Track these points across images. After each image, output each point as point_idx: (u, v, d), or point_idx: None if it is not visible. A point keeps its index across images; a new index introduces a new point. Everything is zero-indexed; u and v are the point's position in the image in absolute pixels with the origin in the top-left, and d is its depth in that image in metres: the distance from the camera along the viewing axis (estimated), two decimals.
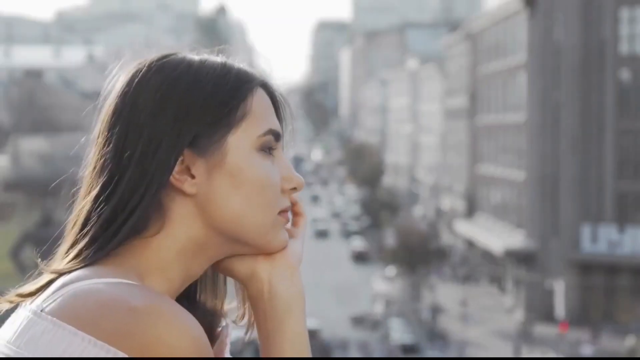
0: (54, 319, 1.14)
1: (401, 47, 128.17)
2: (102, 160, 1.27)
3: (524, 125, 53.25)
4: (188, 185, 1.26)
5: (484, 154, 62.92)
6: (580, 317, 48.03)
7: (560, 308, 48.80)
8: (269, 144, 1.30)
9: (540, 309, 49.56)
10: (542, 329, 46.89)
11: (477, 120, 64.64)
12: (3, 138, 63.78)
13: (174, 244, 1.26)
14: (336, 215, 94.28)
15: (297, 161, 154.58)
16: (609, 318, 47.26)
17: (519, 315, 50.53)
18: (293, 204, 1.36)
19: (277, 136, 1.31)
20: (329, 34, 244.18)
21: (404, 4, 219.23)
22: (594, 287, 48.81)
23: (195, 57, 1.31)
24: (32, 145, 61.86)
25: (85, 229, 1.26)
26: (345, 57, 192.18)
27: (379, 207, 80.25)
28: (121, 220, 1.24)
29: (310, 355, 1.31)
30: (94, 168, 1.28)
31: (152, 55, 1.31)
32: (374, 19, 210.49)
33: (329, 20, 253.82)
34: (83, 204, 1.28)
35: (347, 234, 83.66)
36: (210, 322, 1.38)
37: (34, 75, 74.78)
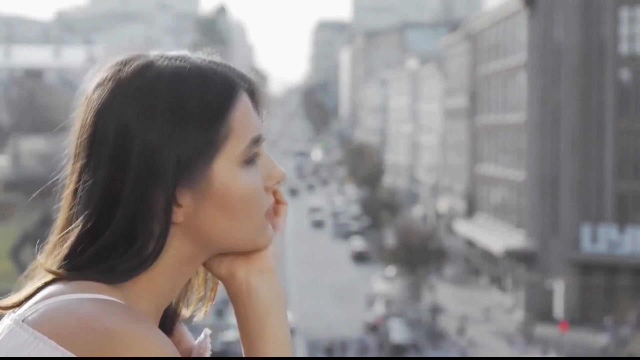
0: (35, 331, 1.15)
1: (401, 47, 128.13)
2: (85, 189, 1.26)
3: (524, 125, 53.26)
4: (177, 215, 1.25)
5: (484, 154, 62.92)
6: (581, 317, 48.05)
7: (560, 308, 48.82)
8: (252, 152, 1.29)
9: (540, 309, 49.57)
10: (542, 329, 46.91)
11: (477, 120, 64.64)
12: (3, 138, 63.80)
13: (163, 264, 1.27)
14: (336, 215, 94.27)
15: (301, 156, 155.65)
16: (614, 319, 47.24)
17: (519, 315, 50.54)
18: (274, 193, 1.36)
19: (259, 140, 1.31)
20: (329, 34, 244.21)
21: (404, 4, 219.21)
22: (594, 287, 48.82)
23: (170, 65, 1.27)
24: (32, 145, 61.90)
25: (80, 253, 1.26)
26: (345, 57, 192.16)
27: (379, 207, 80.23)
28: (121, 251, 1.24)
29: (293, 355, 1.31)
30: (75, 191, 1.27)
31: (116, 66, 1.28)
32: (374, 19, 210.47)
33: (329, 20, 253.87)
34: (71, 228, 1.26)
35: (347, 234, 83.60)
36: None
37: (34, 75, 74.85)
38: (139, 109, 1.23)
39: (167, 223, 1.24)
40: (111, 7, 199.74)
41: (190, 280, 1.40)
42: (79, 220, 1.25)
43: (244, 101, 1.30)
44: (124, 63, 1.28)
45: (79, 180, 1.26)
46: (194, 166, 1.24)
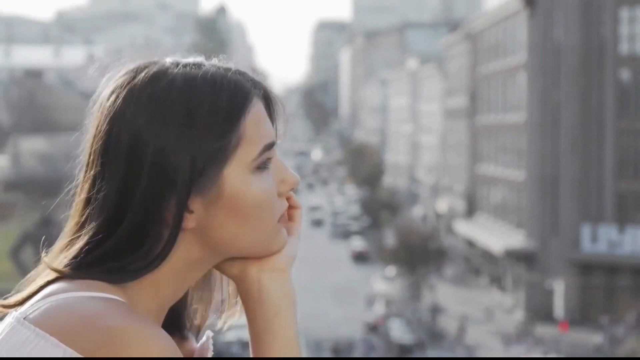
0: (37, 329, 1.15)
1: (401, 47, 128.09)
2: (99, 197, 1.26)
3: (524, 125, 53.26)
4: (188, 221, 1.26)
5: (484, 154, 62.92)
6: (581, 317, 48.05)
7: (560, 308, 48.82)
8: (264, 159, 1.30)
9: (540, 309, 49.57)
10: (542, 329, 46.91)
11: (477, 120, 64.64)
12: (3, 138, 63.77)
13: (169, 267, 1.27)
14: (336, 215, 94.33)
15: (302, 156, 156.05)
16: (609, 318, 47.25)
17: (519, 315, 50.54)
18: (287, 198, 1.36)
19: (271, 147, 1.31)
20: (329, 34, 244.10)
21: (404, 4, 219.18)
22: (594, 287, 48.82)
23: (183, 72, 1.28)
24: (32, 145, 61.86)
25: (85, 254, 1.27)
26: (345, 57, 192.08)
27: (379, 207, 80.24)
28: (127, 253, 1.25)
29: (301, 355, 1.31)
30: (88, 199, 1.28)
31: (130, 73, 1.29)
32: (374, 19, 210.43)
33: (329, 20, 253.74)
34: (82, 233, 1.27)
35: (347, 234, 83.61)
36: (178, 316, 1.40)
37: (34, 75, 74.78)
38: (151, 116, 1.24)
39: (176, 229, 1.25)
40: (111, 7, 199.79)
41: (208, 292, 1.41)
42: (91, 226, 1.26)
43: (256, 108, 1.30)
44: (138, 70, 1.29)
45: (92, 189, 1.27)
46: (205, 173, 1.25)
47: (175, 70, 1.28)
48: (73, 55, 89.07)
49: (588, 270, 48.84)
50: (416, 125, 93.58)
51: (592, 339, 44.37)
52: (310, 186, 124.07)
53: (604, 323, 45.21)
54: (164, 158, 1.24)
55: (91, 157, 1.28)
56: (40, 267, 1.29)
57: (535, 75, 51.61)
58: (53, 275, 1.26)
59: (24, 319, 1.17)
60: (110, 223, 1.24)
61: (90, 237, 1.25)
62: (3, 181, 58.14)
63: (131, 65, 1.30)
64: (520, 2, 53.66)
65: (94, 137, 1.28)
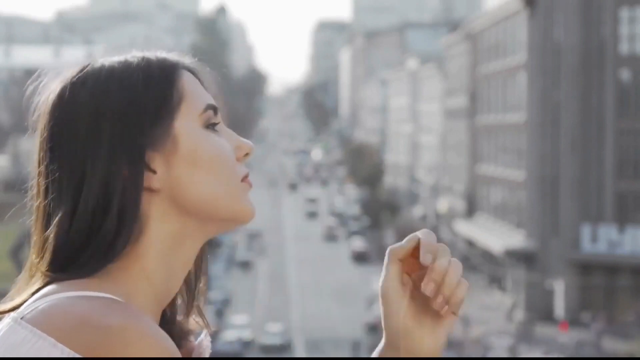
0: (34, 328, 1.15)
1: (401, 47, 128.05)
2: (55, 184, 1.27)
3: (524, 125, 53.27)
4: (154, 182, 1.27)
5: (484, 154, 62.93)
6: (581, 317, 48.05)
7: (560, 308, 48.83)
8: (211, 119, 1.32)
9: (540, 309, 49.57)
10: (542, 329, 46.91)
11: (477, 120, 64.66)
12: (3, 138, 63.77)
13: (155, 245, 1.27)
14: (336, 215, 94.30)
15: (302, 154, 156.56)
16: (609, 318, 47.26)
17: (519, 315, 50.53)
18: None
19: (215, 110, 1.33)
20: (329, 34, 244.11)
21: (404, 4, 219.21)
22: (594, 287, 48.83)
23: (111, 59, 1.33)
24: (32, 145, 61.83)
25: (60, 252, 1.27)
26: (345, 57, 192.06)
27: (379, 207, 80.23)
28: (96, 228, 1.25)
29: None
30: (46, 191, 1.29)
31: (68, 72, 1.32)
32: (374, 19, 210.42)
33: (329, 20, 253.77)
34: (51, 228, 1.27)
35: (347, 234, 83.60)
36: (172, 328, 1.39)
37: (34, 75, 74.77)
38: (89, 92, 1.27)
39: (136, 186, 1.25)
40: (111, 7, 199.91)
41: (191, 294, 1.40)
42: (56, 218, 1.26)
43: (189, 76, 1.34)
44: (75, 71, 1.32)
45: (47, 178, 1.29)
46: (155, 129, 1.27)
47: (108, 63, 1.32)
48: (73, 55, 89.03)
49: (588, 270, 48.85)
50: (416, 125, 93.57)
51: (598, 340, 44.28)
52: (308, 180, 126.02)
53: (586, 321, 45.30)
54: (110, 125, 1.25)
55: (40, 154, 1.30)
56: (26, 273, 1.29)
57: (535, 75, 51.63)
58: (47, 275, 1.26)
59: (21, 319, 1.17)
60: (72, 205, 1.25)
61: (59, 229, 1.26)
62: (3, 181, 58.16)
63: (68, 70, 1.33)
64: (520, 2, 53.68)
65: (40, 136, 1.31)
